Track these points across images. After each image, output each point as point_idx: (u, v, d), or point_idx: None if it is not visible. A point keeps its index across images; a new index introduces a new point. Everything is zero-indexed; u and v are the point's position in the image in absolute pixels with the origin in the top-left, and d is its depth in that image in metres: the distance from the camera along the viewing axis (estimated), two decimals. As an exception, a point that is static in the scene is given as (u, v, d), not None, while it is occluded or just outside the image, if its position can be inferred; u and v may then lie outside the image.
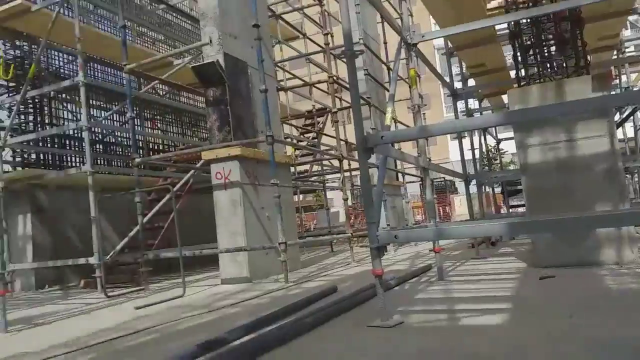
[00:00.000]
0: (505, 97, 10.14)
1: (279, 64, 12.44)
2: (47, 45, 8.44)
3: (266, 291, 5.65)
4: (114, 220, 9.17)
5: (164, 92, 11.96)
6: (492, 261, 6.56)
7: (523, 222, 4.17)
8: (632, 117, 10.26)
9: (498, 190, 15.97)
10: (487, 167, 14.84)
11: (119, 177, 9.54)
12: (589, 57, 6.87)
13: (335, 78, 9.80)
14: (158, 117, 12.05)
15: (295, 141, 13.59)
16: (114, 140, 10.79)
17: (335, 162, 11.39)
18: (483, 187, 10.02)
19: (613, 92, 9.41)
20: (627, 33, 11.88)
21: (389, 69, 12.85)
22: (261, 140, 7.05)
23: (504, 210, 16.15)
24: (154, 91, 11.38)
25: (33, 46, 9.24)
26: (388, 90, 8.61)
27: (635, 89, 11.79)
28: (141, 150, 10.55)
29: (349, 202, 10.55)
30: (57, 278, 8.66)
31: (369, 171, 3.86)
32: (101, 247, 7.07)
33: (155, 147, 11.68)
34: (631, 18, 9.38)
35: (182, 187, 7.49)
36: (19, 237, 8.53)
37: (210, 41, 7.14)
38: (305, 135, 13.79)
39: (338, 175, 10.25)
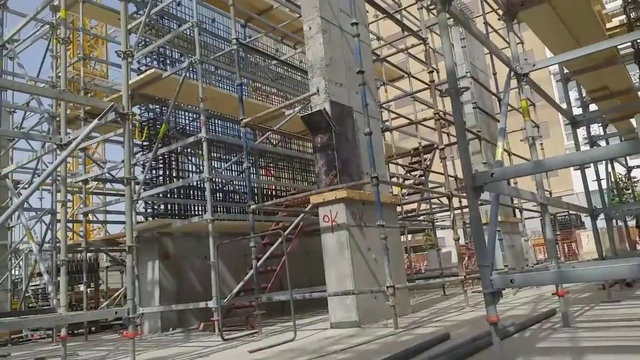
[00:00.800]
0: (634, 121, 9.14)
1: (383, 105, 12.54)
2: (175, 106, 9.42)
3: (376, 337, 5.50)
4: (231, 264, 9.68)
5: (276, 141, 12.62)
6: (628, 305, 5.82)
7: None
8: None
9: (632, 223, 14.15)
10: (617, 199, 13.28)
11: (235, 223, 10.12)
12: None
13: (441, 114, 9.61)
14: (271, 164, 12.71)
15: (401, 180, 13.44)
16: (231, 189, 11.54)
17: (445, 200, 11.00)
18: (614, 221, 8.94)
19: None
20: None
21: (499, 100, 12.33)
22: (366, 182, 7.07)
23: (640, 246, 14.23)
24: (267, 141, 12.06)
25: (163, 108, 10.36)
26: (499, 122, 8.20)
27: None
28: (256, 197, 11.13)
29: (461, 242, 10.04)
30: (180, 320, 9.27)
31: (481, 209, 3.66)
32: (219, 291, 7.46)
33: (269, 193, 12.27)
34: None
35: (292, 231, 7.72)
36: (148, 282, 9.33)
37: (318, 91, 7.46)
38: (412, 173, 13.58)
39: (448, 213, 9.87)
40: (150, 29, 10.24)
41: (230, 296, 7.77)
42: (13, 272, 10.85)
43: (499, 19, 9.36)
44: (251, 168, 10.21)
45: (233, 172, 11.49)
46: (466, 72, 11.46)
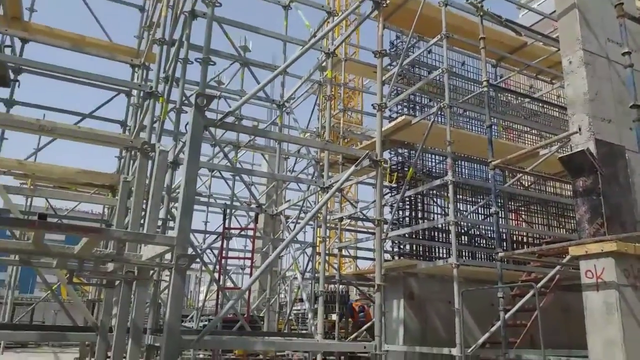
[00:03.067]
0: None
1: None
2: (422, 149, 9.72)
3: None
4: (476, 312, 9.22)
5: (528, 183, 11.73)
6: None
7: None
8: None
9: None
10: None
11: (481, 269, 9.68)
12: None
13: None
14: (522, 208, 11.81)
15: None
16: (478, 233, 11.12)
17: None
18: None
19: None
20: None
21: None
22: (644, 234, 5.92)
23: None
24: (518, 183, 11.32)
25: (411, 151, 10.79)
26: None
27: None
28: (504, 243, 10.46)
29: None
30: (421, 363, 9.19)
31: None
32: (463, 340, 7.18)
33: (519, 240, 11.38)
34: None
35: (547, 284, 6.97)
36: (393, 320, 9.59)
37: (580, 129, 6.73)
38: None
39: None
40: (402, 78, 10.90)
41: (475, 346, 7.39)
42: (280, 296, 12.54)
43: None
44: (500, 212, 9.69)
45: (480, 215, 11.10)
46: None
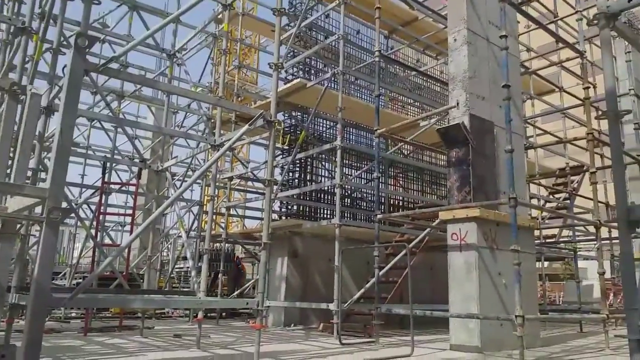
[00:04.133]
0: None
1: (528, 120, 11.77)
2: (315, 114, 9.87)
3: (499, 367, 5.19)
4: (353, 270, 9.84)
5: (408, 152, 12.54)
6: None
7: None
8: None
9: None
10: None
11: (361, 229, 10.28)
12: None
13: (596, 134, 8.72)
14: (401, 175, 12.65)
15: (542, 203, 12.44)
16: (360, 196, 11.72)
17: (591, 229, 9.94)
18: None
19: None
20: None
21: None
22: (503, 202, 6.69)
23: None
24: (399, 151, 12.04)
25: (304, 115, 10.92)
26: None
27: None
28: (383, 206, 11.17)
29: (607, 276, 8.93)
30: (301, 318, 9.67)
31: (633, 242, 3.30)
32: (340, 295, 7.64)
33: (396, 204, 12.22)
34: None
35: (417, 244, 7.61)
36: (276, 277, 9.90)
37: (458, 104, 7.30)
38: (555, 195, 12.48)
39: (593, 243, 8.88)
40: (299, 40, 10.87)
41: (350, 301, 7.92)
42: (163, 254, 12.22)
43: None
44: (381, 177, 10.29)
45: (363, 180, 11.68)
46: (629, 90, 10.29)
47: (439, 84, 13.21)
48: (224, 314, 11.51)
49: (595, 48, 12.34)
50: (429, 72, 12.86)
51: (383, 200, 11.46)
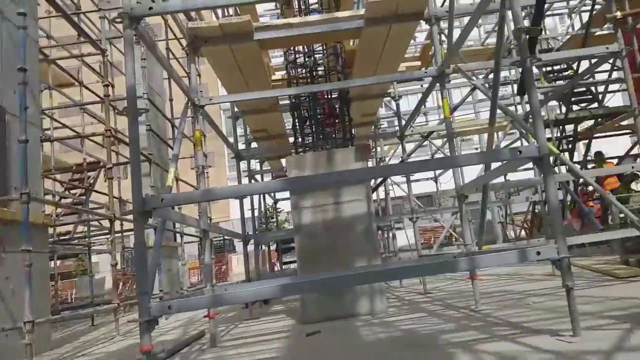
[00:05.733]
0: (284, 161, 10.82)
1: (46, 112, 11.05)
2: None
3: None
4: None
5: None
6: (265, 321, 6.62)
7: (294, 283, 4.35)
8: (383, 184, 11.83)
9: (273, 247, 16.51)
10: (264, 225, 15.36)
11: None
12: (353, 131, 7.85)
13: (113, 131, 9.10)
14: None
15: (58, 199, 12.00)
16: None
17: (105, 223, 10.34)
18: (260, 245, 10.21)
19: (370, 162, 10.86)
20: (382, 111, 13.92)
21: (173, 125, 12.62)
22: (14, 198, 5.98)
23: (277, 268, 16.65)
24: None
25: None
26: (172, 148, 8.34)
27: (387, 163, 13.94)
28: None
29: (118, 267, 9.55)
30: None
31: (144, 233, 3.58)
32: None
33: None
34: (386, 99, 11.07)
35: None
36: None
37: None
38: (72, 191, 12.32)
39: (105, 236, 9.27)
40: None
41: None
42: None
43: (182, 49, 9.61)
44: None
45: None
46: (143, 93, 11.29)
47: None
48: None
49: (115, 51, 12.82)
50: None
51: None
